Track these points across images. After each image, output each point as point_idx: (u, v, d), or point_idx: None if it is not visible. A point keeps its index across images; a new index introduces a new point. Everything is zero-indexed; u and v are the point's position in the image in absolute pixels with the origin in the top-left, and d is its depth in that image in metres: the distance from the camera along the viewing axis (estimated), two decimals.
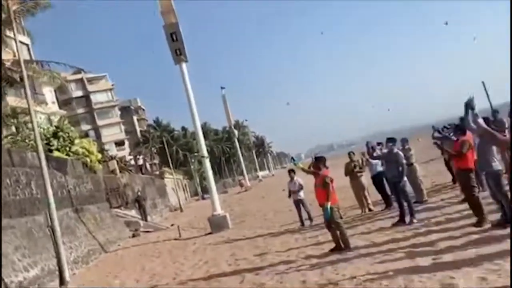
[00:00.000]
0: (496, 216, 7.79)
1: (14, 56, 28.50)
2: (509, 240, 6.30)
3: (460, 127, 8.52)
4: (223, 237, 14.71)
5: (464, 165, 8.38)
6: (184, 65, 17.20)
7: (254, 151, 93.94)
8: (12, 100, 31.01)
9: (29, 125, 23.65)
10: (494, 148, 7.39)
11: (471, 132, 7.70)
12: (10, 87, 28.22)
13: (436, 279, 5.72)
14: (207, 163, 18.34)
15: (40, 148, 12.49)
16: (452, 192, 12.40)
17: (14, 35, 13.49)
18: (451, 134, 10.16)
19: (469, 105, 6.65)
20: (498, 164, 7.45)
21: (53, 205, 11.95)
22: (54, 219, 11.75)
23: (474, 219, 8.12)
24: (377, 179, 12.87)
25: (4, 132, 21.98)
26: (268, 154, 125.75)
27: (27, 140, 20.86)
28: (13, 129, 24.61)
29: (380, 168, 12.35)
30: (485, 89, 13.89)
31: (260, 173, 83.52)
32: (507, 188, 7.37)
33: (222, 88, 53.98)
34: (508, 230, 6.85)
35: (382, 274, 6.53)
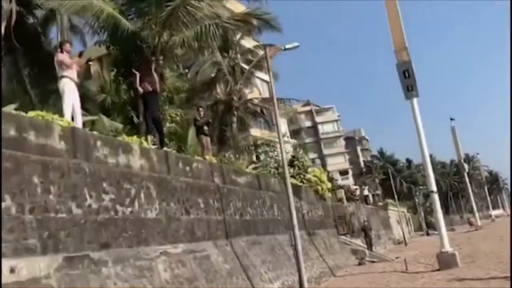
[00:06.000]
0: None
1: (260, 94, 32.69)
2: None
3: None
4: (452, 275, 14.33)
5: None
6: (415, 100, 17.50)
7: (486, 188, 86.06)
8: (253, 131, 35.39)
9: (270, 154, 26.70)
10: None
11: None
12: (254, 119, 32.42)
13: None
14: (436, 198, 18.03)
15: (287, 174, 14.11)
16: None
17: (270, 79, 15.93)
18: None
19: None
20: None
21: (296, 226, 13.36)
22: (297, 238, 13.13)
23: None
24: None
25: (247, 159, 25.14)
26: (503, 191, 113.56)
27: (267, 167, 23.37)
28: (254, 157, 27.95)
29: None
30: None
31: (493, 212, 75.99)
32: None
33: (451, 119, 51.60)
34: None
35: None
